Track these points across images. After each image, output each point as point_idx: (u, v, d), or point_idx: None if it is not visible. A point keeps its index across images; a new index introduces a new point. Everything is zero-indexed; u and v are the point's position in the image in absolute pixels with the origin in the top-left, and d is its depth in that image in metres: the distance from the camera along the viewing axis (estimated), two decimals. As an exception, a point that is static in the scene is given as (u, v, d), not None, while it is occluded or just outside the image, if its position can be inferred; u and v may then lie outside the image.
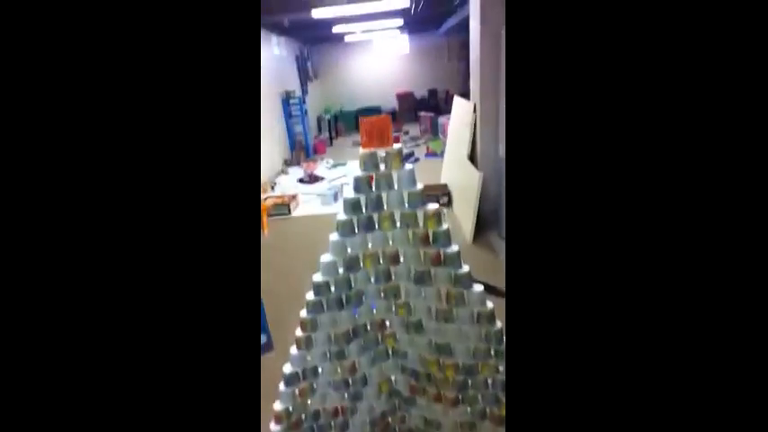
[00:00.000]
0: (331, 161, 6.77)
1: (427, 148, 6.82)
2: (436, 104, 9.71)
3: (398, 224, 1.29)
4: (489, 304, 1.32)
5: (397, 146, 1.21)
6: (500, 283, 2.75)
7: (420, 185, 1.25)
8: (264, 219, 4.38)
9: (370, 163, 1.20)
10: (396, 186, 1.25)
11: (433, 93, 10.15)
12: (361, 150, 1.21)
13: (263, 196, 4.99)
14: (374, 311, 1.42)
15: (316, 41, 9.05)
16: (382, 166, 1.24)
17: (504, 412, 1.41)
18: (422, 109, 9.19)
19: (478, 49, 3.42)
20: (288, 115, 7.22)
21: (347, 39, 8.64)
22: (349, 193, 1.24)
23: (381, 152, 1.23)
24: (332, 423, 1.52)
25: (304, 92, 8.24)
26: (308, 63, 8.96)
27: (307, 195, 5.20)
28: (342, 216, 1.26)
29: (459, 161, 4.15)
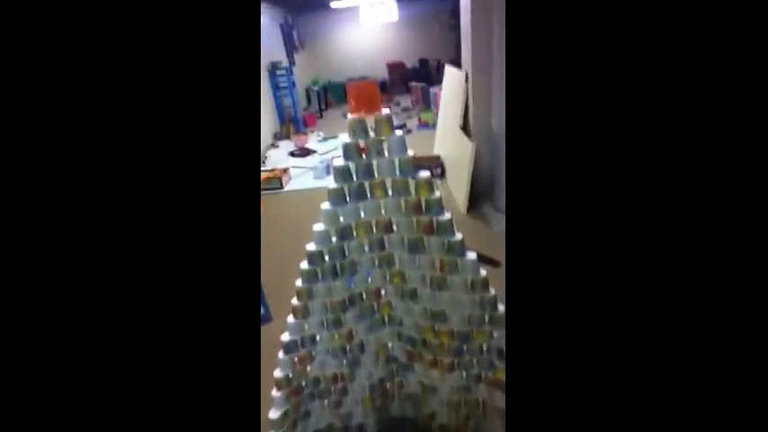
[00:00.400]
0: (321, 134, 6.65)
1: (419, 120, 6.71)
2: (427, 74, 9.49)
3: (390, 192, 1.27)
4: (483, 272, 1.33)
5: (385, 111, 1.18)
6: (494, 253, 2.77)
7: (411, 152, 1.23)
8: (256, 194, 4.34)
9: (359, 129, 1.17)
10: (386, 153, 1.22)
11: (423, 62, 9.91)
12: (350, 116, 1.18)
13: (253, 172, 4.92)
14: (369, 280, 1.42)
15: (300, 9, 8.70)
16: (372, 134, 1.21)
17: (499, 376, 1.45)
18: (413, 79, 8.99)
19: (469, 16, 3.32)
20: (275, 87, 7.03)
21: (333, 5, 8.31)
22: (339, 161, 1.21)
23: (371, 119, 1.20)
24: (332, 389, 1.55)
25: (291, 63, 7.99)
26: (294, 32, 8.65)
27: (298, 169, 5.13)
28: (333, 184, 1.24)
29: (451, 132, 4.10)
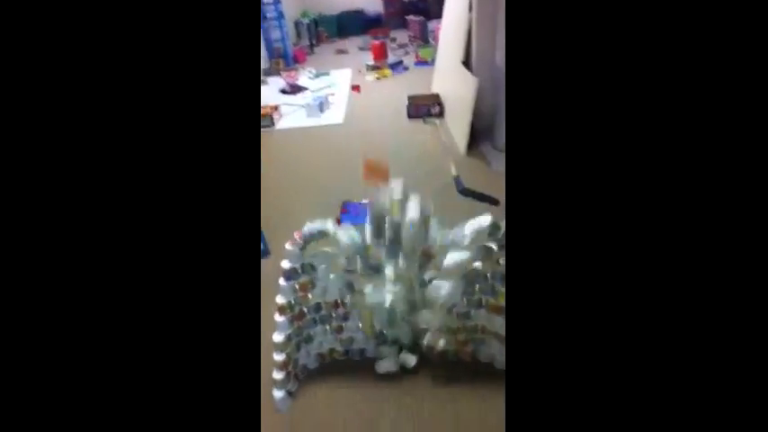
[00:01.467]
0: (313, 70, 6.30)
1: (416, 56, 6.38)
2: (426, 8, 8.87)
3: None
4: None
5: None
6: (494, 192, 2.74)
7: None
8: (247, 131, 4.16)
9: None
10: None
11: (422, -6, 9.23)
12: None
13: (243, 108, 4.69)
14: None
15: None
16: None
17: (500, 301, 1.47)
18: (410, 13, 8.41)
19: (479, -71, 3.01)
20: (262, 17, 6.52)
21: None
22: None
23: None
24: (332, 314, 1.56)
25: (279, -10, 7.36)
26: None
27: (290, 107, 4.91)
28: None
29: (452, 68, 3.89)
